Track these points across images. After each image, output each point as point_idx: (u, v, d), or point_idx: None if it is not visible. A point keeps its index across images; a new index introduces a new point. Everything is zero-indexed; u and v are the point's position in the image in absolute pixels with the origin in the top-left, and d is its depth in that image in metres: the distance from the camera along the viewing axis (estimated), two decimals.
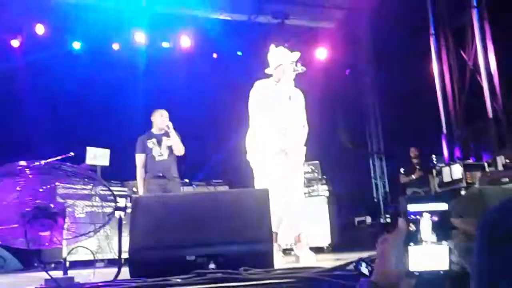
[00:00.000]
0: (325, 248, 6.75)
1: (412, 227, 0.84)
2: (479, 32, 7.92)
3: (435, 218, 0.83)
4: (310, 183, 6.85)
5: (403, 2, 8.47)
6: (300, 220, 4.28)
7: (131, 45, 8.89)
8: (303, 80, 4.61)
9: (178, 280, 2.32)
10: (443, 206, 0.84)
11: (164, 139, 5.50)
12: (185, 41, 9.37)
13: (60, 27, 8.38)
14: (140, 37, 8.93)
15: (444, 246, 0.82)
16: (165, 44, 9.27)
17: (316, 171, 7.06)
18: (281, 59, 4.38)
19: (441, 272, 0.82)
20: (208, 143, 8.36)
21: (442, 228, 0.83)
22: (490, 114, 7.64)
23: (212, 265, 2.63)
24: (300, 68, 4.31)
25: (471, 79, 8.24)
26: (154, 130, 5.61)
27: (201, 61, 9.56)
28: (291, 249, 4.52)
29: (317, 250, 6.09)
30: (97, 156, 6.05)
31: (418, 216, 0.84)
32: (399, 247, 0.84)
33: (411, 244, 0.83)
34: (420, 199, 0.86)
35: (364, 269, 1.91)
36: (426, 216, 0.83)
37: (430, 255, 0.82)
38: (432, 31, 8.95)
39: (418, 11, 8.86)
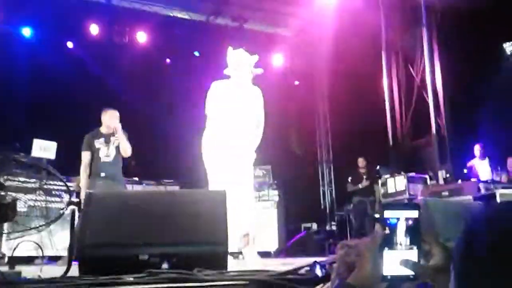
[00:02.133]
0: (272, 252, 6.82)
1: (387, 231, 0.88)
2: (428, 50, 8.29)
3: (410, 222, 0.88)
4: (261, 187, 6.90)
5: (358, 16, 8.75)
6: (249, 222, 4.31)
7: (86, 38, 8.64)
8: (258, 85, 4.66)
9: (130, 278, 2.27)
10: (415, 214, 0.89)
11: (112, 139, 5.36)
12: (142, 37, 9.22)
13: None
14: (95, 30, 8.71)
15: (414, 251, 0.87)
16: (120, 39, 9.06)
17: (267, 175, 7.13)
18: (240, 61, 4.41)
19: (410, 277, 0.86)
20: (159, 141, 8.25)
21: (414, 234, 0.88)
22: (434, 130, 8.02)
23: (165, 265, 2.60)
24: (259, 70, 4.36)
25: (418, 95, 8.61)
26: (103, 130, 5.43)
27: (156, 58, 9.45)
28: (239, 253, 4.53)
29: (264, 254, 6.15)
30: (44, 149, 5.82)
31: (395, 220, 0.88)
32: (375, 251, 0.87)
33: (386, 248, 0.87)
34: (395, 205, 0.91)
35: (318, 271, 1.96)
36: (402, 221, 0.88)
37: (401, 259, 0.87)
38: (384, 46, 9.28)
39: (372, 26, 9.15)
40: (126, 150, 5.33)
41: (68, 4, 8.14)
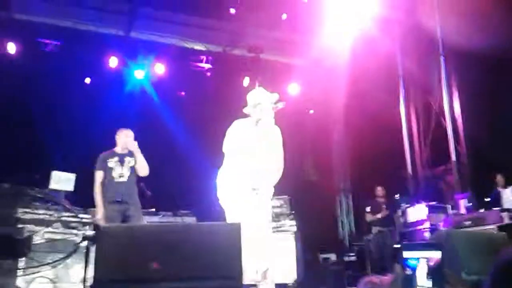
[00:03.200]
0: (290, 284, 6.67)
1: (409, 272, 0.84)
2: (445, 78, 8.23)
3: (431, 263, 0.84)
4: (278, 218, 6.81)
5: (374, 45, 8.77)
6: (266, 256, 4.23)
7: (106, 70, 8.82)
8: (274, 114, 4.65)
9: None
10: (437, 254, 0.85)
11: (127, 159, 5.34)
12: (160, 69, 9.36)
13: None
14: (114, 62, 8.88)
15: None
16: (139, 72, 9.21)
17: (285, 205, 7.04)
18: (260, 99, 4.40)
19: None
20: (175, 172, 8.26)
21: (437, 275, 0.84)
22: (454, 157, 7.88)
23: None
24: (280, 105, 4.34)
25: (436, 123, 8.52)
26: (117, 150, 5.43)
27: (173, 89, 9.57)
28: (254, 285, 4.44)
29: (282, 286, 6.02)
30: (62, 181, 5.86)
31: (415, 262, 0.85)
32: None
33: None
34: (415, 245, 0.87)
35: None
36: (423, 262, 0.84)
37: None
38: (400, 72, 9.26)
39: (387, 55, 9.16)
40: (144, 167, 5.29)
41: (86, 37, 8.38)
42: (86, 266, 2.87)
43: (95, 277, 2.71)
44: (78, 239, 4.34)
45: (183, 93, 9.72)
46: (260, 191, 4.20)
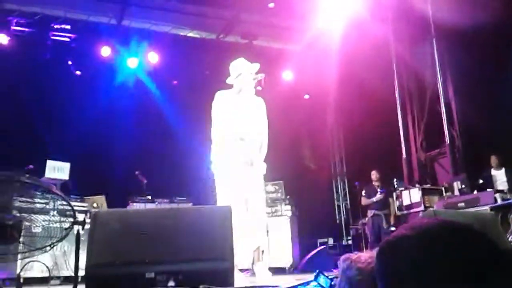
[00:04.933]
0: (287, 268, 6.75)
1: None
2: (438, 62, 8.23)
3: None
4: (274, 203, 6.85)
5: (366, 30, 8.74)
6: (259, 236, 4.29)
7: (99, 59, 8.79)
8: (269, 101, 4.68)
9: None
10: None
11: None
12: (153, 57, 9.33)
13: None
14: (106, 52, 8.85)
15: None
16: (132, 60, 9.18)
17: (280, 191, 7.08)
18: (241, 69, 4.45)
19: None
20: (170, 160, 8.28)
21: None
22: (447, 141, 7.92)
23: (171, 283, 2.59)
24: (260, 76, 4.38)
25: (430, 106, 8.54)
26: None
27: (167, 77, 9.54)
28: (249, 269, 4.49)
29: (279, 270, 6.09)
30: (57, 170, 5.90)
31: None
32: None
33: None
34: None
35: (322, 281, 1.94)
36: None
37: None
38: (393, 56, 9.26)
39: (381, 39, 9.13)
40: None
41: (78, 27, 8.34)
42: (77, 252, 2.90)
43: (89, 262, 2.75)
44: (75, 228, 4.38)
45: (175, 82, 9.67)
46: (251, 161, 4.27)
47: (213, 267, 2.71)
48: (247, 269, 4.41)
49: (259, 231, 4.29)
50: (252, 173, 4.30)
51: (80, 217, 3.62)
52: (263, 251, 4.34)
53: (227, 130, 4.34)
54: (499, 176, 7.13)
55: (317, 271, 2.00)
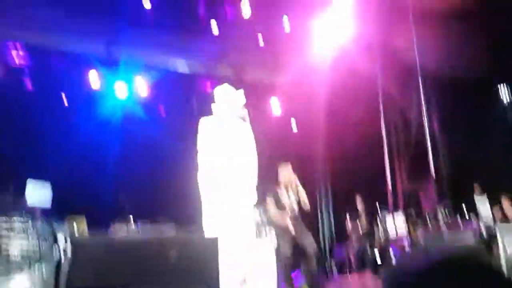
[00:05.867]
0: None
1: None
2: (424, 96, 8.40)
3: None
4: (258, 227, 6.77)
5: (355, 65, 8.95)
6: (247, 267, 4.22)
7: (85, 87, 8.82)
8: (255, 133, 4.70)
9: None
10: None
11: None
12: (140, 86, 9.40)
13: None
14: (94, 80, 8.89)
15: None
16: (121, 91, 9.21)
17: (263, 215, 7.00)
18: (226, 96, 4.50)
19: None
20: (153, 180, 8.23)
21: None
22: (432, 172, 8.01)
23: None
24: (240, 96, 4.44)
25: (415, 139, 8.69)
26: None
27: (153, 108, 9.57)
28: None
29: None
30: (37, 189, 5.77)
31: None
32: None
33: None
34: None
35: None
36: None
37: None
38: (380, 92, 9.44)
39: (368, 75, 9.35)
40: None
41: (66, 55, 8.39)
42: (56, 277, 2.87)
43: (68, 284, 2.70)
44: (54, 250, 4.31)
45: (163, 111, 9.71)
46: (239, 190, 4.24)
47: None
48: None
49: (246, 263, 4.21)
50: (240, 205, 4.27)
51: (60, 238, 3.59)
52: (252, 282, 4.27)
53: (211, 160, 4.32)
54: (482, 203, 7.21)
55: None
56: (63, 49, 8.59)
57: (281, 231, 5.71)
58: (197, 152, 4.45)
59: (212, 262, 2.85)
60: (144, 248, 3.00)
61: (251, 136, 4.54)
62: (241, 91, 4.52)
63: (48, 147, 7.50)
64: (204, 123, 4.45)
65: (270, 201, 5.91)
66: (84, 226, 5.71)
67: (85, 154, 7.31)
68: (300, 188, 6.03)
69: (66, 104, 8.51)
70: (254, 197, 4.46)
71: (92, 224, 5.53)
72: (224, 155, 4.31)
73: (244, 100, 4.49)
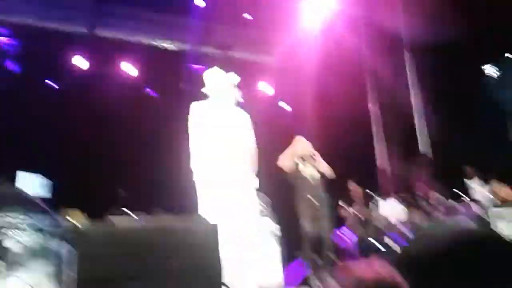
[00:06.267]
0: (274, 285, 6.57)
1: None
2: (411, 74, 8.41)
3: None
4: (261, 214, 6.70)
5: (342, 42, 8.86)
6: (250, 256, 4.12)
7: (70, 69, 8.52)
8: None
9: None
10: None
11: None
12: (126, 68, 9.14)
13: None
14: (78, 61, 8.60)
15: None
16: (106, 70, 8.94)
17: (265, 206, 6.93)
18: (217, 79, 4.31)
19: None
20: (148, 170, 8.07)
21: None
22: (422, 150, 8.07)
23: None
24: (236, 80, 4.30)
25: (404, 118, 8.70)
26: None
27: (140, 88, 9.35)
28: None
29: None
30: (29, 182, 5.59)
31: None
32: None
33: None
34: None
35: None
36: None
37: None
38: (367, 69, 9.41)
39: (355, 52, 9.28)
40: None
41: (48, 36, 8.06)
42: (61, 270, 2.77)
43: (78, 277, 2.62)
44: (55, 243, 4.17)
45: (151, 91, 9.49)
46: (240, 179, 4.08)
47: (201, 284, 2.62)
48: None
49: (247, 255, 4.09)
50: (242, 189, 4.13)
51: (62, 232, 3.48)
52: (250, 271, 4.18)
53: (205, 146, 4.12)
54: (474, 186, 7.31)
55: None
56: (47, 29, 8.21)
57: (302, 206, 5.69)
58: (188, 137, 4.24)
59: (213, 250, 2.79)
60: (147, 237, 2.90)
61: (248, 120, 4.37)
62: (233, 73, 4.31)
63: (36, 135, 7.25)
64: (196, 108, 4.21)
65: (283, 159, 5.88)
66: (80, 219, 5.58)
67: (74, 140, 7.07)
68: (319, 158, 5.95)
69: (52, 86, 8.22)
70: (256, 182, 4.33)
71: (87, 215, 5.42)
72: (221, 141, 4.12)
73: (237, 81, 4.30)
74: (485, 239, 0.94)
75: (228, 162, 4.10)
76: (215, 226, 2.94)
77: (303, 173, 5.85)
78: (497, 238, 0.94)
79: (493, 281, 0.83)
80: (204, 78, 4.36)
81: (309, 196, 5.71)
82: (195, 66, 9.47)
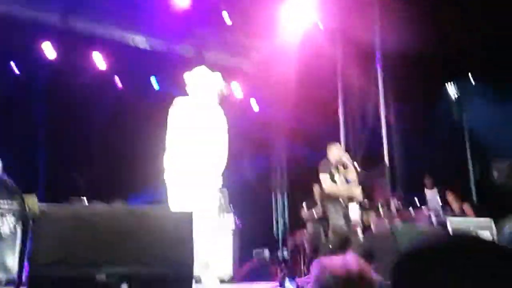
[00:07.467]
0: (227, 279, 6.64)
1: None
2: (382, 86, 8.59)
3: None
4: (218, 211, 6.76)
5: (318, 52, 9.01)
6: (209, 247, 4.22)
7: (38, 59, 8.36)
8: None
9: None
10: None
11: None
12: (98, 61, 9.02)
13: None
14: (48, 50, 8.44)
15: None
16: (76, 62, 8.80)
17: (223, 199, 7.00)
18: (201, 77, 4.38)
19: None
20: (112, 161, 7.99)
21: None
22: (386, 160, 8.25)
23: (124, 286, 2.48)
24: (223, 85, 4.35)
25: (371, 128, 8.90)
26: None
27: (112, 83, 9.25)
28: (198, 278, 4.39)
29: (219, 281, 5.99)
30: None
31: None
32: None
33: None
34: None
35: (288, 285, 1.95)
36: None
37: None
38: (340, 80, 9.57)
39: (331, 61, 9.44)
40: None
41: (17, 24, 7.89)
42: (20, 252, 2.73)
43: (31, 261, 2.57)
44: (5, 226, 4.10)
45: (120, 85, 9.40)
46: (204, 175, 4.19)
47: (171, 273, 2.61)
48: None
49: (208, 244, 4.21)
50: (205, 188, 4.23)
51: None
52: (209, 262, 4.27)
53: (180, 139, 4.23)
54: (431, 196, 7.55)
55: (283, 274, 2.01)
56: (17, 17, 8.03)
57: (334, 207, 6.09)
58: (160, 130, 4.32)
59: (186, 235, 2.77)
60: (115, 217, 2.85)
61: (224, 122, 4.47)
62: (219, 74, 4.41)
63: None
64: (178, 103, 4.32)
65: (324, 177, 6.22)
66: (35, 205, 5.47)
67: (36, 128, 6.95)
68: (350, 166, 6.28)
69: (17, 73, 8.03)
70: (219, 182, 4.44)
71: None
72: (196, 139, 4.23)
73: (222, 84, 4.39)
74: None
75: (196, 163, 4.20)
76: (190, 213, 2.92)
77: (336, 181, 6.28)
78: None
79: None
80: (189, 75, 4.42)
81: (341, 200, 6.15)
82: (169, 65, 9.44)
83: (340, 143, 9.23)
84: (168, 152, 4.27)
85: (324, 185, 6.30)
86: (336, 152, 6.42)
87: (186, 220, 2.84)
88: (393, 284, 0.91)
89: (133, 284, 2.47)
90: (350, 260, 1.58)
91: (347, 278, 1.50)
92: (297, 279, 3.54)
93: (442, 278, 0.82)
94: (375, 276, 1.57)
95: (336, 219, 6.06)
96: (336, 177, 6.29)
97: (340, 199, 6.19)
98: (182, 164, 4.21)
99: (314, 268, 1.64)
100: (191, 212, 2.93)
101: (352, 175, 6.32)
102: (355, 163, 6.48)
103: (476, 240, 0.92)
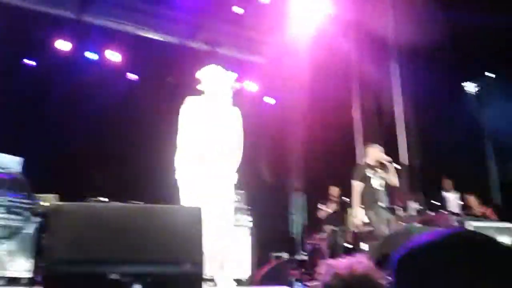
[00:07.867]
0: (244, 280, 6.56)
1: None
2: (397, 85, 8.43)
3: None
4: (235, 212, 6.69)
5: (331, 47, 8.88)
6: (222, 246, 4.12)
7: (54, 54, 8.39)
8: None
9: None
10: None
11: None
12: (113, 56, 9.05)
13: None
14: (64, 46, 8.48)
15: None
16: (91, 56, 8.85)
17: (242, 201, 6.93)
18: (214, 76, 4.28)
19: None
20: (127, 160, 7.97)
21: None
22: (405, 160, 8.09)
23: (137, 286, 2.41)
24: (237, 85, 4.26)
25: (387, 126, 8.72)
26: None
27: (126, 77, 9.27)
28: (211, 279, 4.30)
29: (236, 282, 5.92)
30: (6, 163, 5.45)
31: None
32: None
33: None
34: None
35: None
36: None
37: None
38: (355, 79, 9.42)
39: (344, 57, 9.30)
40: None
41: (34, 19, 7.92)
42: (37, 249, 2.68)
43: (45, 259, 2.53)
44: (23, 225, 4.06)
45: (133, 78, 9.40)
46: (219, 171, 4.09)
47: (182, 271, 2.54)
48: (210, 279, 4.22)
49: (222, 242, 4.11)
50: (219, 184, 4.13)
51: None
52: (223, 262, 4.18)
53: (192, 138, 4.14)
54: (450, 198, 7.36)
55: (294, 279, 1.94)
56: (34, 12, 8.07)
57: (376, 213, 5.95)
58: (174, 128, 4.24)
59: (195, 232, 2.70)
60: (128, 215, 2.81)
61: (240, 120, 4.36)
62: (233, 74, 4.31)
63: (15, 116, 7.11)
64: (190, 103, 4.23)
65: (356, 185, 6.06)
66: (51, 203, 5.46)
67: (54, 127, 6.95)
68: (390, 167, 6.14)
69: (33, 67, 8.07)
70: (234, 179, 4.33)
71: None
72: (209, 139, 4.13)
73: (235, 84, 4.30)
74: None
75: (210, 163, 4.11)
76: (198, 209, 2.85)
77: (373, 185, 6.06)
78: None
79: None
80: (202, 74, 4.33)
81: (380, 203, 6.00)
82: (182, 59, 9.40)
83: (355, 142, 9.12)
84: (180, 151, 4.16)
85: (353, 193, 6.10)
86: (374, 154, 6.20)
87: (195, 215, 2.76)
88: (396, 279, 0.93)
89: (146, 282, 2.40)
90: (357, 262, 1.57)
91: (350, 279, 1.50)
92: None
93: (443, 273, 0.83)
94: (383, 279, 1.53)
95: (378, 224, 5.88)
96: (373, 180, 6.08)
97: (379, 202, 5.99)
98: (194, 164, 4.11)
99: (321, 269, 1.63)
100: (200, 208, 2.84)
101: (394, 179, 6.14)
102: (394, 164, 6.23)
103: (477, 237, 0.93)
